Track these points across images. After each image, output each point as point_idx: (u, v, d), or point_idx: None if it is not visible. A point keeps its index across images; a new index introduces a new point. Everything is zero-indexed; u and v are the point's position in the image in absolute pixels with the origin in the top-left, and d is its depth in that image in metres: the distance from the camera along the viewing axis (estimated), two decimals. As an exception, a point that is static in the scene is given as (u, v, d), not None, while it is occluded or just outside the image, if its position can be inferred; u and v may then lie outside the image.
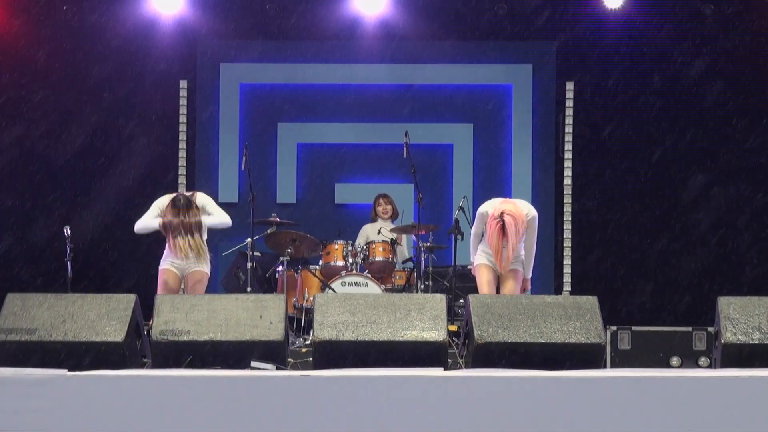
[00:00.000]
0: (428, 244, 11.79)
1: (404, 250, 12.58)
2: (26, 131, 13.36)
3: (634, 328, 11.09)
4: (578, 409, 6.33)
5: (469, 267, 11.23)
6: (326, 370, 6.82)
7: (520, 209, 9.76)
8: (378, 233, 12.19)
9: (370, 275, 11.76)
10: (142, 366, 7.76)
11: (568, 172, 13.63)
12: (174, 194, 10.03)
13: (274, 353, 7.53)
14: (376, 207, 12.61)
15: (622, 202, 13.51)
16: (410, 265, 12.19)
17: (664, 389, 6.39)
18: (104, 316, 7.55)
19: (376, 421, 6.28)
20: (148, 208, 13.19)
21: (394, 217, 12.60)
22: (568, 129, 13.64)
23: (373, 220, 12.64)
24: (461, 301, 11.38)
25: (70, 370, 6.50)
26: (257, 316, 7.61)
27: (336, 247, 11.98)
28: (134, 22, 13.36)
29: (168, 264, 9.91)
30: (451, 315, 10.92)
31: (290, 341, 10.23)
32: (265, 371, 7.32)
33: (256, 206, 11.80)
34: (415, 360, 7.38)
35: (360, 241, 12.33)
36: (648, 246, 13.43)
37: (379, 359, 7.36)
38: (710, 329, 10.40)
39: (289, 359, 8.28)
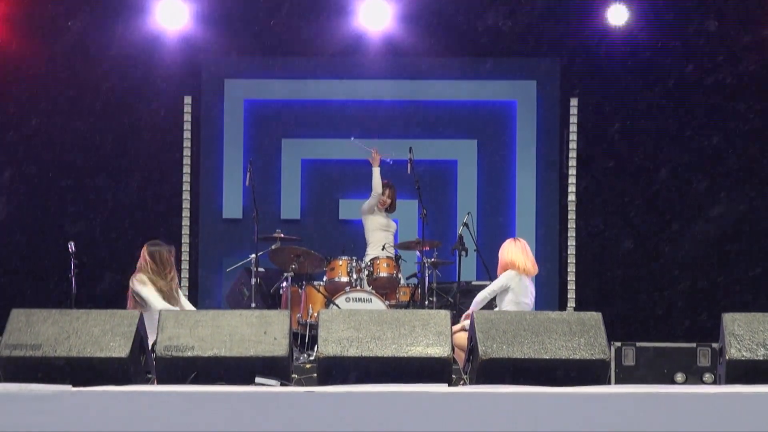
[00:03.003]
0: (432, 260, 11.79)
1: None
2: (31, 147, 13.38)
3: (638, 344, 11.09)
4: (582, 426, 6.32)
5: (473, 283, 11.26)
6: (330, 386, 6.81)
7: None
8: (383, 249, 12.20)
9: (374, 291, 11.76)
10: (146, 382, 7.75)
11: (572, 188, 13.63)
12: None
13: (279, 369, 7.53)
14: None
15: (626, 218, 13.50)
16: (414, 281, 12.19)
17: (669, 405, 6.38)
18: (108, 332, 7.55)
19: (380, 437, 6.28)
20: (152, 224, 13.29)
21: (390, 209, 12.54)
22: (572, 145, 13.65)
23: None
24: (465, 317, 11.38)
25: (74, 385, 6.50)
26: (261, 331, 7.61)
27: (340, 263, 11.97)
28: (139, 39, 13.38)
29: None
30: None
31: (294, 357, 10.25)
32: (269, 387, 7.32)
33: (260, 222, 11.82)
34: (419, 376, 7.38)
35: (367, 204, 12.32)
36: (652, 262, 13.42)
37: (384, 375, 7.35)
38: (715, 345, 10.40)
39: (294, 375, 8.29)
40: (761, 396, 6.41)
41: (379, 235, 12.30)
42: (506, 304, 10.24)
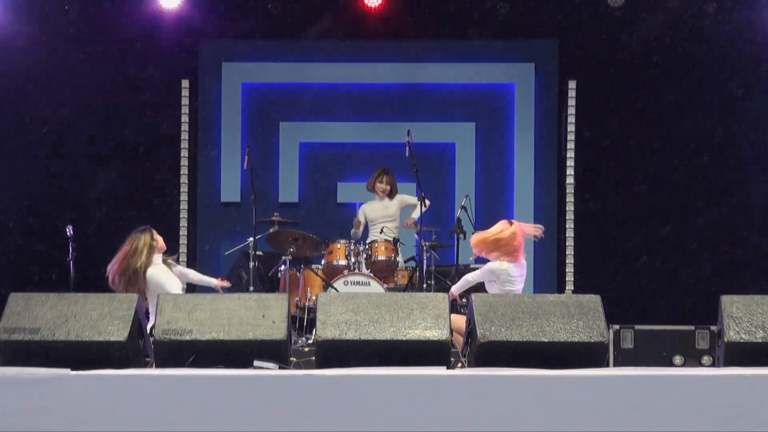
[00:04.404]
0: (431, 243, 11.78)
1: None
2: (27, 130, 13.36)
3: (636, 326, 11.10)
4: (581, 408, 6.32)
5: (471, 266, 11.26)
6: (329, 369, 6.81)
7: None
8: (381, 233, 12.21)
9: (372, 274, 11.76)
10: (144, 365, 7.75)
11: (570, 171, 13.63)
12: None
13: (277, 352, 7.52)
14: (376, 182, 12.56)
15: (624, 200, 13.50)
16: (413, 264, 12.19)
17: (667, 388, 6.38)
18: (107, 315, 7.54)
19: (378, 420, 6.28)
20: (149, 207, 13.26)
21: (392, 194, 12.56)
22: (571, 128, 13.64)
23: (369, 189, 12.56)
24: (463, 299, 11.38)
25: (72, 369, 6.50)
26: (260, 315, 7.60)
27: (338, 246, 11.98)
28: (136, 22, 13.36)
29: None
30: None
31: (293, 340, 10.25)
32: (267, 370, 7.31)
33: (258, 206, 11.83)
34: (417, 359, 7.37)
35: (359, 217, 12.34)
36: (651, 244, 13.42)
37: (382, 358, 7.35)
38: (713, 328, 10.41)
39: (292, 358, 8.28)
40: (760, 378, 6.41)
41: (378, 225, 12.36)
42: (490, 290, 10.18)
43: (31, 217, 13.30)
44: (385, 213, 12.46)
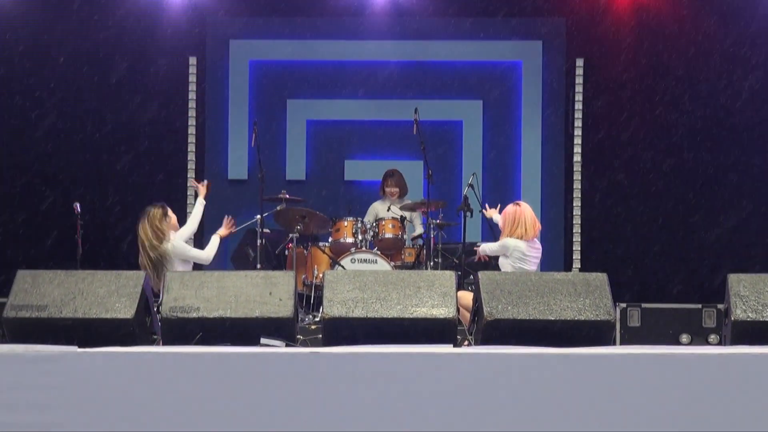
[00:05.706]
0: (438, 221, 11.78)
1: (415, 227, 12.58)
2: (34, 107, 13.36)
3: (643, 305, 11.10)
4: (587, 386, 6.33)
5: (478, 244, 11.26)
6: (336, 347, 6.82)
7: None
8: (387, 210, 12.20)
9: (379, 252, 11.75)
10: (151, 343, 7.77)
11: (577, 149, 13.61)
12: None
13: (284, 330, 7.54)
14: (384, 186, 12.60)
15: (631, 178, 13.48)
16: (420, 242, 12.19)
17: (674, 366, 6.39)
18: (114, 292, 7.56)
19: (385, 397, 6.29)
20: (156, 185, 13.28)
21: (402, 195, 12.59)
22: (578, 106, 13.61)
23: (382, 196, 12.64)
24: (470, 277, 11.39)
25: (80, 346, 6.51)
26: (267, 292, 7.61)
27: (345, 224, 11.97)
28: (143, -1, 13.38)
29: None
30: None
31: (300, 318, 10.26)
32: (274, 348, 7.33)
33: (266, 183, 11.82)
34: (424, 337, 7.39)
35: (369, 218, 12.34)
36: (658, 223, 13.41)
37: (389, 336, 7.36)
38: (720, 306, 10.41)
39: (299, 336, 8.29)
40: (766, 357, 6.41)
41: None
42: (503, 267, 10.28)
43: (38, 194, 13.30)
44: (395, 213, 12.41)
